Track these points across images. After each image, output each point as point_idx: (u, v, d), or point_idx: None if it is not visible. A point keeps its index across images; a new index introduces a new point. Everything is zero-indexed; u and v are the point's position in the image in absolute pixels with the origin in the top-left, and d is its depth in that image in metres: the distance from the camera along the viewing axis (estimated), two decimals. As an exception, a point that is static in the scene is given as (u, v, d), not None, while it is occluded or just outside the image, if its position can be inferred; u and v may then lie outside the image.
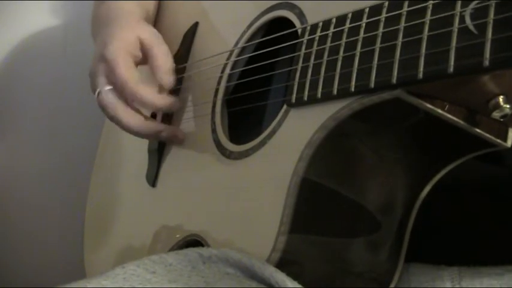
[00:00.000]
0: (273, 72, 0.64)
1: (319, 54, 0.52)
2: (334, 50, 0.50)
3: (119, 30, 0.72)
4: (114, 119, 0.71)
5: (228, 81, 0.68)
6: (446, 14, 0.42)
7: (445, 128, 0.47)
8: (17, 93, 1.19)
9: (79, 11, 1.16)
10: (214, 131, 0.66)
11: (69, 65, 1.17)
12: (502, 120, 0.44)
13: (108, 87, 0.70)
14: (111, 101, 0.70)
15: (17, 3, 1.17)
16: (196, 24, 0.78)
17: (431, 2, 0.43)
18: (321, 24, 0.53)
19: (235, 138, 0.64)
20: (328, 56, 0.51)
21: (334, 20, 0.51)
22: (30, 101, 1.19)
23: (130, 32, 0.72)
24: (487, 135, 0.46)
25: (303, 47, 0.54)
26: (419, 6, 0.44)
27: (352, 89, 0.48)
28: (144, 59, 0.72)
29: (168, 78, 0.70)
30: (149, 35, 0.72)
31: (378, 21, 0.47)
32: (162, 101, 0.69)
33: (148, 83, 0.70)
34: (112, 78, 0.69)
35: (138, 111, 0.71)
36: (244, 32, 0.67)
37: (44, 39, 1.18)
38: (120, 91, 0.69)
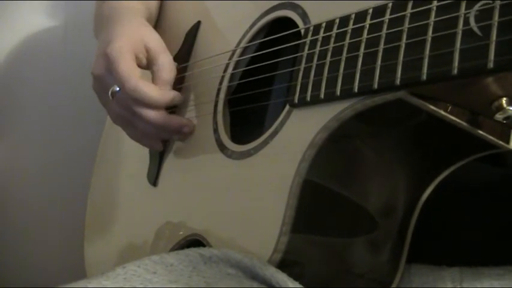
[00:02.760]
0: (276, 73, 0.64)
1: (322, 55, 0.52)
2: (337, 51, 0.50)
3: (122, 29, 0.72)
4: (135, 117, 0.69)
5: (230, 80, 0.68)
6: (450, 15, 0.42)
7: (448, 130, 0.47)
8: (17, 93, 1.18)
9: (79, 11, 1.16)
10: (216, 130, 0.66)
11: (69, 65, 1.17)
12: (504, 122, 0.44)
13: (118, 88, 0.69)
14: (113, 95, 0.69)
15: (17, 3, 1.17)
16: (198, 24, 0.78)
17: (436, 3, 0.43)
18: (324, 24, 0.53)
19: (237, 138, 0.64)
20: (331, 57, 0.51)
21: (337, 21, 0.51)
22: (30, 100, 1.18)
23: (136, 33, 0.72)
24: (490, 137, 0.46)
25: (306, 48, 0.54)
26: (424, 7, 0.44)
27: (355, 90, 0.48)
28: (147, 65, 0.72)
29: (168, 92, 0.70)
30: (156, 43, 0.72)
31: (382, 22, 0.47)
32: (165, 96, 0.68)
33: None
34: (113, 74, 0.69)
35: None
36: (247, 32, 0.67)
37: (44, 39, 1.18)
38: (121, 87, 0.68)
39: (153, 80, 0.70)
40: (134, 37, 0.71)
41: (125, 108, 0.69)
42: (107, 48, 0.69)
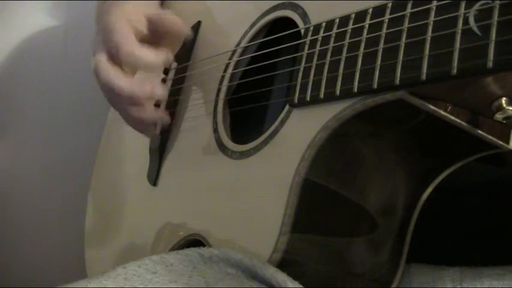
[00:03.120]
0: (276, 72, 0.64)
1: (322, 55, 0.52)
2: (337, 51, 0.50)
3: (120, 5, 0.70)
4: (106, 85, 0.67)
5: (230, 80, 0.68)
6: (450, 15, 0.42)
7: (448, 130, 0.47)
8: (17, 93, 1.19)
9: (79, 11, 1.16)
10: (216, 130, 0.66)
11: (69, 65, 1.17)
12: (504, 122, 0.44)
13: (104, 57, 0.67)
14: (104, 66, 0.67)
15: (17, 3, 1.17)
16: (198, 24, 0.78)
17: (435, 3, 0.43)
18: (324, 24, 0.53)
19: (237, 138, 0.64)
20: (331, 57, 0.51)
21: (337, 21, 0.52)
22: (30, 101, 1.19)
23: (134, 6, 0.70)
24: (490, 137, 0.46)
25: (306, 47, 0.54)
26: (423, 7, 0.44)
27: (355, 90, 0.48)
28: (153, 36, 0.70)
29: (187, 28, 0.69)
30: (155, 10, 0.71)
31: (382, 22, 0.47)
32: (159, 57, 0.66)
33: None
34: (109, 45, 0.67)
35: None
36: (247, 32, 0.67)
37: (44, 39, 1.18)
38: (116, 55, 0.66)
39: (166, 32, 0.70)
40: (132, 10, 0.69)
41: (102, 74, 0.67)
42: (104, 22, 0.68)
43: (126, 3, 0.72)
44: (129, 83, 0.66)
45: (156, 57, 0.66)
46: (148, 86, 0.66)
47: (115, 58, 0.67)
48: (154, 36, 0.70)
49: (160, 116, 0.71)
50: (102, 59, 0.67)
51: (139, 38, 0.68)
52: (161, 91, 0.67)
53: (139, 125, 0.72)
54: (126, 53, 0.65)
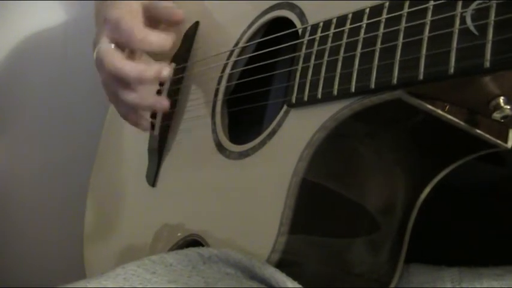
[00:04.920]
0: (274, 73, 0.64)
1: (320, 55, 0.52)
2: (334, 51, 0.50)
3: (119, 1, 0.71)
4: (111, 68, 0.67)
5: (229, 81, 0.68)
6: (447, 14, 0.42)
7: (446, 129, 0.46)
8: (17, 93, 1.19)
9: (79, 11, 1.16)
10: (214, 131, 0.66)
11: (69, 65, 1.16)
12: (502, 121, 0.44)
13: (108, 45, 0.68)
14: (110, 52, 0.67)
15: (17, 3, 1.17)
16: (197, 24, 0.78)
17: (432, 2, 0.43)
18: (321, 24, 0.53)
19: (235, 138, 0.64)
20: (328, 57, 0.51)
21: (334, 21, 0.51)
22: (30, 100, 1.19)
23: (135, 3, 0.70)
24: (488, 136, 0.46)
25: (304, 47, 0.54)
26: (420, 7, 0.44)
27: (353, 90, 0.48)
28: (150, 22, 0.70)
29: (179, 11, 0.69)
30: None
31: (379, 21, 0.47)
32: (169, 38, 0.67)
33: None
34: (117, 34, 0.67)
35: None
36: (245, 32, 0.67)
37: (44, 39, 1.18)
38: (127, 42, 0.67)
39: (159, 15, 0.70)
40: (132, 2, 0.70)
41: (111, 78, 0.68)
42: (106, 15, 0.68)
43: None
44: (136, 65, 0.67)
45: (167, 38, 0.67)
46: (155, 66, 0.67)
47: (121, 47, 0.67)
48: (150, 23, 0.71)
49: (160, 100, 0.71)
50: (107, 46, 0.68)
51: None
52: (168, 71, 0.67)
53: (136, 115, 0.72)
54: (140, 39, 0.66)
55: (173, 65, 0.77)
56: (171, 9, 0.70)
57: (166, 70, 0.66)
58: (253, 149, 0.59)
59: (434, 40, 0.42)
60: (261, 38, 0.66)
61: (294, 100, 0.54)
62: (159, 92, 0.74)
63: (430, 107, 0.45)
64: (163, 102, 0.69)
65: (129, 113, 0.72)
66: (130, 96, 0.68)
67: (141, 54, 0.71)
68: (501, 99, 0.43)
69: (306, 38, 0.54)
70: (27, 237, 1.18)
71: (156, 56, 0.73)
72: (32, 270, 1.17)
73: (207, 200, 0.64)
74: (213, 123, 0.67)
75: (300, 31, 0.57)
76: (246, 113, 0.65)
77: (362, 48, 0.48)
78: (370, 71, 0.46)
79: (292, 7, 0.60)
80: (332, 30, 0.51)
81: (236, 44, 0.68)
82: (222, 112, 0.67)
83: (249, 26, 0.67)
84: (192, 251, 0.55)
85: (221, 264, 0.54)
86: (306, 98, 0.52)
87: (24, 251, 1.18)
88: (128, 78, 0.67)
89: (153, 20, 0.71)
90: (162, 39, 0.67)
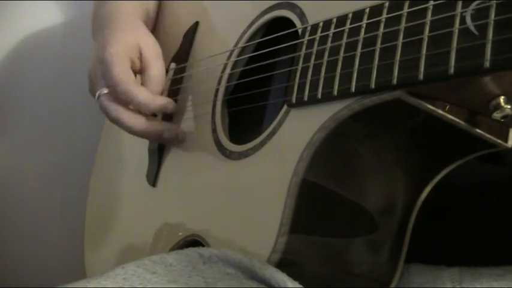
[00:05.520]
0: (274, 73, 0.64)
1: (320, 55, 0.52)
2: (334, 51, 0.50)
3: (119, 34, 0.72)
4: (116, 122, 0.71)
5: (229, 81, 0.67)
6: (446, 14, 0.42)
7: (446, 129, 0.46)
8: (17, 93, 1.19)
9: (79, 11, 1.16)
10: (214, 131, 0.66)
11: (69, 65, 1.16)
12: (502, 120, 0.44)
13: (106, 91, 0.70)
14: (111, 104, 0.70)
15: (17, 3, 1.17)
16: (196, 24, 0.78)
17: (432, 2, 0.43)
18: (321, 24, 0.53)
19: (236, 138, 0.64)
20: (328, 57, 0.51)
21: (334, 20, 0.51)
22: (30, 100, 1.19)
23: (132, 37, 0.72)
24: (488, 135, 0.46)
25: (304, 47, 0.54)
26: (420, 7, 0.44)
27: (353, 90, 0.48)
28: (140, 70, 0.73)
29: (160, 98, 0.71)
30: (149, 49, 0.73)
31: (379, 21, 0.47)
32: (157, 102, 0.69)
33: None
34: (107, 79, 0.70)
35: (139, 112, 0.71)
36: (245, 32, 0.67)
37: (44, 39, 1.18)
38: (114, 92, 0.69)
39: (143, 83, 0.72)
40: (129, 41, 0.72)
41: (110, 111, 0.71)
42: (103, 53, 0.70)
43: (124, 28, 0.74)
44: (140, 120, 0.70)
45: (151, 99, 0.69)
46: (158, 123, 0.71)
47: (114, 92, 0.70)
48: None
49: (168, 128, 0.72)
50: (104, 95, 0.71)
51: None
52: (173, 106, 0.71)
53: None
54: (122, 92, 0.68)
55: (173, 65, 0.77)
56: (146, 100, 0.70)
57: (171, 104, 0.71)
58: (253, 149, 0.59)
59: (434, 40, 0.42)
60: (261, 38, 0.66)
61: (294, 100, 0.54)
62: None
63: (430, 107, 0.45)
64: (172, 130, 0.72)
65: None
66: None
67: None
68: (501, 99, 0.43)
69: (306, 38, 0.54)
70: (27, 237, 1.18)
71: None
72: (32, 270, 1.17)
73: (207, 200, 0.64)
74: (213, 123, 0.67)
75: (300, 31, 0.56)
76: (246, 113, 0.65)
77: (362, 48, 0.48)
78: (370, 71, 0.46)
79: (293, 7, 0.60)
80: (332, 30, 0.51)
81: (236, 44, 0.68)
82: (222, 112, 0.67)
83: (249, 26, 0.67)
84: (192, 251, 0.55)
85: (221, 264, 0.54)
86: (306, 98, 0.52)
87: (24, 251, 1.18)
88: (134, 131, 0.71)
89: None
90: (145, 97, 0.68)
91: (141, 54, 0.72)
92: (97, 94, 0.71)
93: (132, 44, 0.72)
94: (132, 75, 0.70)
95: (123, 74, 0.69)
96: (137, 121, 0.70)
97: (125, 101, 0.69)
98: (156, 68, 0.72)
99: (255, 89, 0.64)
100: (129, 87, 0.68)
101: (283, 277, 0.50)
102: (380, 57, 0.46)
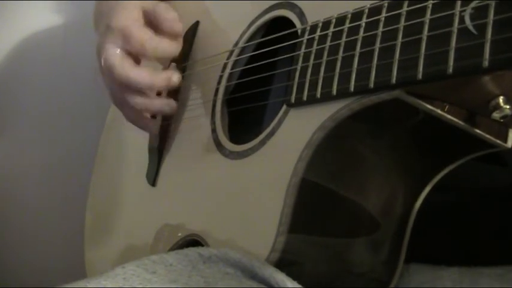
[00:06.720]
0: (273, 72, 0.64)
1: (319, 54, 0.52)
2: (333, 50, 0.50)
3: (121, 5, 0.71)
4: (122, 77, 0.68)
5: (228, 80, 0.68)
6: (445, 13, 0.42)
7: (445, 129, 0.46)
8: (17, 92, 1.19)
9: (79, 11, 1.16)
10: (214, 130, 0.66)
11: (69, 65, 1.17)
12: (502, 121, 0.44)
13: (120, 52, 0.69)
14: (121, 60, 0.68)
15: (17, 3, 1.18)
16: (197, 24, 0.78)
17: (431, 1, 0.43)
18: (320, 23, 0.53)
19: (235, 138, 0.64)
20: (327, 56, 0.51)
21: (334, 20, 0.51)
22: (30, 100, 1.19)
23: (133, 4, 0.71)
24: (487, 135, 0.46)
25: (303, 47, 0.54)
26: (419, 6, 0.44)
27: (352, 89, 0.48)
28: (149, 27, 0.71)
29: (178, 25, 0.70)
30: (150, 1, 0.72)
31: (378, 21, 0.47)
32: (179, 46, 0.70)
33: None
34: (127, 43, 0.68)
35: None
36: (245, 32, 0.67)
37: (44, 40, 1.18)
38: (140, 50, 0.68)
39: (159, 24, 0.71)
40: (134, 8, 0.70)
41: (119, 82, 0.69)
42: (110, 23, 0.69)
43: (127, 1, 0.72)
44: (148, 74, 0.69)
45: (177, 45, 0.70)
46: (165, 74, 0.69)
47: (131, 54, 0.69)
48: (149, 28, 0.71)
49: (168, 102, 0.72)
50: (115, 54, 0.69)
51: None
52: (177, 77, 0.70)
53: (145, 119, 0.73)
54: (153, 48, 0.68)
55: (173, 64, 0.77)
56: (172, 21, 0.71)
57: (175, 77, 0.69)
58: (253, 149, 0.59)
59: (433, 39, 0.42)
60: (260, 38, 0.66)
61: (293, 100, 0.54)
62: (158, 94, 0.75)
63: (429, 106, 0.45)
64: (172, 104, 0.71)
65: (138, 117, 0.73)
66: (140, 101, 0.70)
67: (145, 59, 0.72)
68: (500, 99, 0.43)
69: (305, 37, 0.54)
70: (27, 237, 1.18)
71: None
72: (32, 270, 1.18)
73: (207, 200, 0.64)
74: (213, 122, 0.67)
75: (299, 31, 0.56)
76: (246, 112, 0.65)
77: (361, 48, 0.48)
78: (369, 71, 0.46)
79: (292, 7, 0.60)
80: (331, 30, 0.51)
81: (236, 44, 0.68)
82: (222, 112, 0.67)
83: (249, 26, 0.67)
84: (192, 251, 0.55)
85: (221, 264, 0.54)
86: (305, 98, 0.52)
87: (24, 251, 1.18)
88: (139, 86, 0.69)
89: (151, 25, 0.71)
90: (174, 47, 0.70)
91: (145, 12, 0.71)
92: (103, 57, 0.70)
93: (135, 10, 0.71)
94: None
95: (144, 31, 0.68)
96: (144, 72, 0.69)
97: (153, 57, 0.69)
98: (162, 4, 0.71)
99: (255, 89, 0.64)
100: (159, 39, 0.68)
101: (282, 277, 0.50)
102: (379, 57, 0.46)
